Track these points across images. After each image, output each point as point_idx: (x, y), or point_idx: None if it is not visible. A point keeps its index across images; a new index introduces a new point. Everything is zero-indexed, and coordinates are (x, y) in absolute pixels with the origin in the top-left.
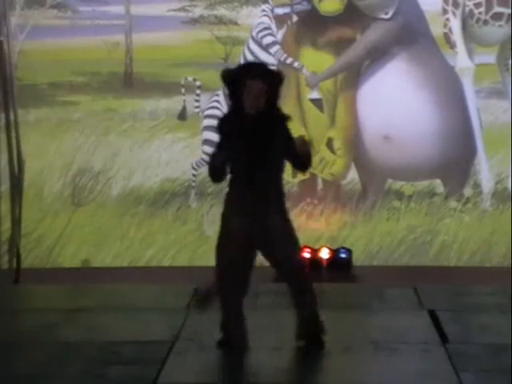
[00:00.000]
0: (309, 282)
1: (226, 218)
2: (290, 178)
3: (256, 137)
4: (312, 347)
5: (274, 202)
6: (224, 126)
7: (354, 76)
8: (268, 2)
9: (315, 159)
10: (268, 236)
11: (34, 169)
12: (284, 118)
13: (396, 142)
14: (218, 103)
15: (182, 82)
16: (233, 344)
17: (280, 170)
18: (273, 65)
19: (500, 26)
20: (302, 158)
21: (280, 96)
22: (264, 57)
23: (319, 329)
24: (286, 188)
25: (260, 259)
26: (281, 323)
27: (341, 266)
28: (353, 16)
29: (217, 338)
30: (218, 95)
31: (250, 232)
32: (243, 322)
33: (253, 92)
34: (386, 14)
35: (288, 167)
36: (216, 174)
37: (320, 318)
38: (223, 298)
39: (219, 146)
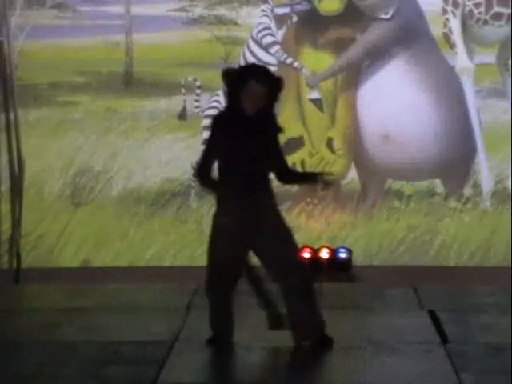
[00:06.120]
0: (310, 280)
1: (218, 216)
2: None
3: (252, 139)
4: (318, 347)
5: (266, 200)
6: (220, 123)
7: (354, 76)
8: (268, 2)
9: (315, 159)
10: (265, 234)
11: (34, 169)
12: (278, 128)
13: (396, 141)
14: (218, 103)
15: (182, 82)
16: (219, 341)
17: (268, 172)
18: (273, 65)
19: (500, 26)
20: (296, 179)
21: (278, 101)
22: (264, 57)
23: (324, 327)
24: (286, 188)
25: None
26: None
27: (341, 265)
28: (353, 16)
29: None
30: (218, 95)
31: (242, 229)
32: (230, 319)
33: (254, 94)
34: (386, 14)
35: None
36: (202, 182)
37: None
38: (212, 295)
39: (210, 142)
